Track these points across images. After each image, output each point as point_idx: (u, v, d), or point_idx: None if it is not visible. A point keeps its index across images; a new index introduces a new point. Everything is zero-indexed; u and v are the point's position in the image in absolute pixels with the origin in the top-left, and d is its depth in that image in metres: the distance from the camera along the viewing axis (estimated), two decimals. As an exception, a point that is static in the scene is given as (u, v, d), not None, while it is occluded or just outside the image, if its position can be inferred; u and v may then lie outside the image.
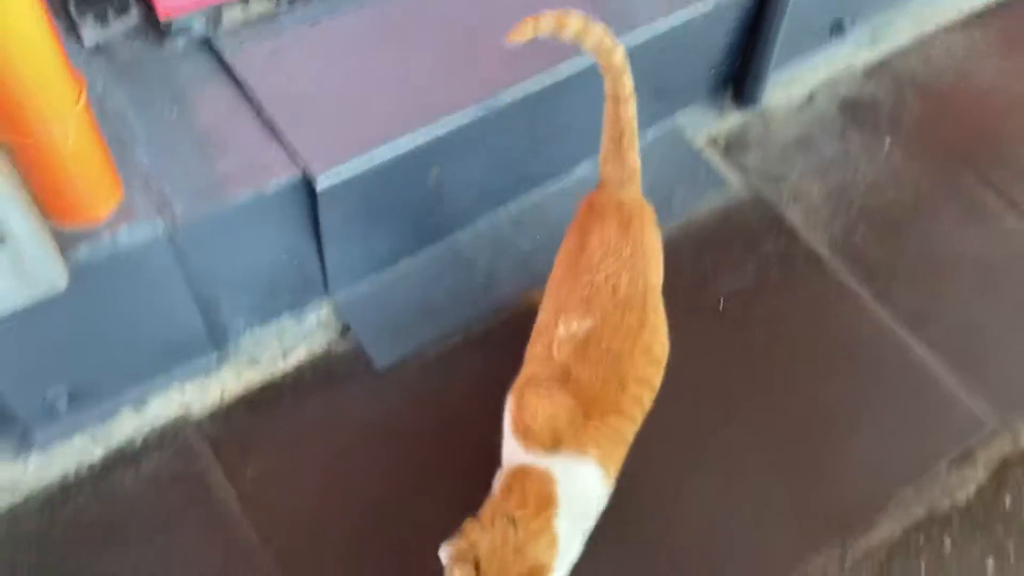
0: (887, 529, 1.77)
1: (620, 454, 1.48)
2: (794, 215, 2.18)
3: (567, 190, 2.13)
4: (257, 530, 1.66)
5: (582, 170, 2.15)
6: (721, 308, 2.00)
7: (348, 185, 1.70)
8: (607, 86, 1.54)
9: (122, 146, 1.60)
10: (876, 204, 2.22)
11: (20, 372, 1.62)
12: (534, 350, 1.53)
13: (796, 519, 1.76)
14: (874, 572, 1.72)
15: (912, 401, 1.92)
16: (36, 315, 1.47)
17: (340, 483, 1.75)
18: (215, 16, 1.79)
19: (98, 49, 1.76)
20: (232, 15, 1.81)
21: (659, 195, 2.13)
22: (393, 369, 1.89)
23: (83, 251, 1.48)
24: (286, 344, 1.90)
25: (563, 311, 1.52)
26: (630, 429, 1.48)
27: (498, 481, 1.45)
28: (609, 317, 1.48)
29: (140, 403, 1.80)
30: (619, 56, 1.50)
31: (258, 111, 1.72)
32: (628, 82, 1.53)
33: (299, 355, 1.89)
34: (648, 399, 1.51)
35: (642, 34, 1.95)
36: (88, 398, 1.72)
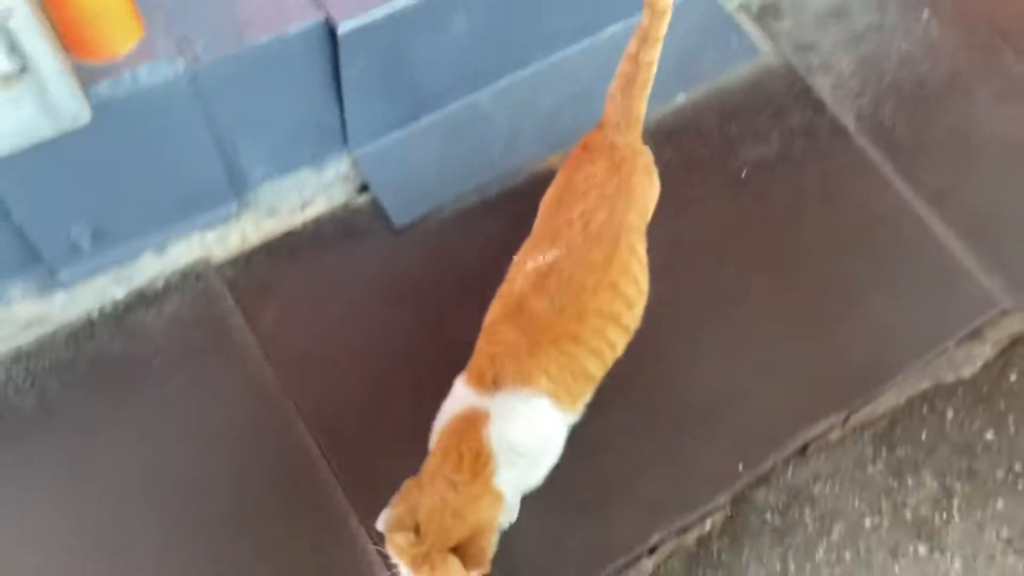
0: (891, 399, 1.81)
1: (579, 385, 1.42)
2: (823, 86, 2.13)
3: (595, 50, 2.08)
4: (276, 372, 1.71)
5: (612, 32, 2.10)
6: (744, 176, 1.98)
7: (370, 31, 1.67)
8: (643, 21, 1.47)
9: (143, -17, 1.57)
10: (908, 78, 2.16)
11: (45, 209, 1.63)
12: (501, 289, 1.49)
13: (803, 386, 1.79)
14: (875, 438, 1.76)
15: (927, 277, 1.92)
16: (60, 150, 1.47)
17: (357, 333, 1.78)
18: None
19: None
20: None
21: (688, 59, 2.10)
22: (411, 226, 1.90)
23: (104, 87, 1.47)
24: (305, 196, 1.91)
25: (535, 246, 1.49)
26: (591, 360, 1.42)
27: (439, 425, 1.40)
28: (575, 250, 1.44)
29: (161, 248, 1.82)
30: None
31: (280, -48, 1.68)
32: (663, 26, 1.47)
33: (318, 208, 1.90)
34: (616, 336, 1.45)
35: None
36: (111, 239, 1.75)
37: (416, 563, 1.24)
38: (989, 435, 1.79)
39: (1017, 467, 1.75)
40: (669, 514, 1.66)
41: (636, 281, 1.48)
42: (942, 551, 1.67)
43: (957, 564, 1.66)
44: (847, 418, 1.78)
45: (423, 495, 1.29)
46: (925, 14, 2.26)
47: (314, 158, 1.93)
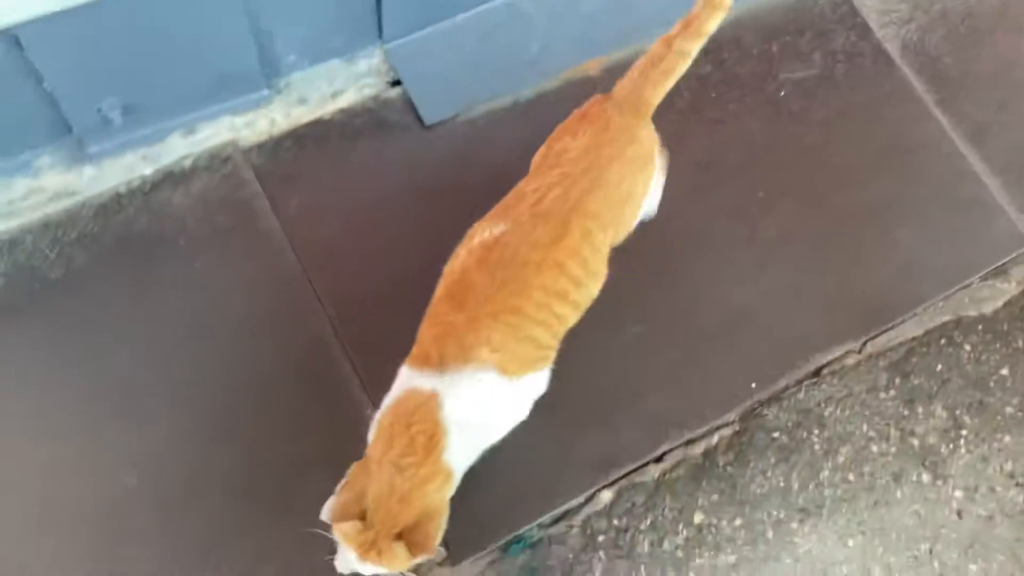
0: (910, 329, 1.81)
1: (527, 351, 1.36)
2: (870, 10, 2.07)
3: (638, -43, 2.03)
4: (299, 259, 1.72)
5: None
6: (781, 96, 1.95)
7: (413, -82, 1.63)
8: (694, 7, 1.40)
9: None
10: (958, 8, 2.11)
11: (76, 78, 1.62)
12: (445, 267, 1.43)
13: (822, 310, 1.79)
14: (890, 367, 1.77)
15: (958, 211, 1.90)
16: (93, 18, 1.46)
17: (380, 226, 1.78)
18: None
19: None
20: None
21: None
22: (440, 124, 1.88)
23: (141, -46, 1.45)
24: (336, 87, 1.89)
25: (490, 218, 1.42)
26: (538, 330, 1.36)
27: (382, 412, 1.35)
28: (521, 225, 1.37)
29: (190, 129, 1.81)
30: None
31: None
32: (714, 22, 1.40)
33: (348, 99, 1.88)
34: (564, 310, 1.38)
35: None
36: (141, 115, 1.74)
37: (363, 549, 1.23)
38: (1004, 371, 1.79)
39: (1029, 404, 1.76)
40: (678, 426, 1.68)
41: (586, 264, 1.39)
42: (945, 480, 1.69)
43: (958, 493, 1.68)
44: (864, 345, 1.78)
45: (370, 481, 1.26)
46: (982, -58, 2.19)
47: (347, 49, 1.90)
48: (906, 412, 1.74)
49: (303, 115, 1.86)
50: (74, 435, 1.58)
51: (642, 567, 1.58)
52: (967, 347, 1.80)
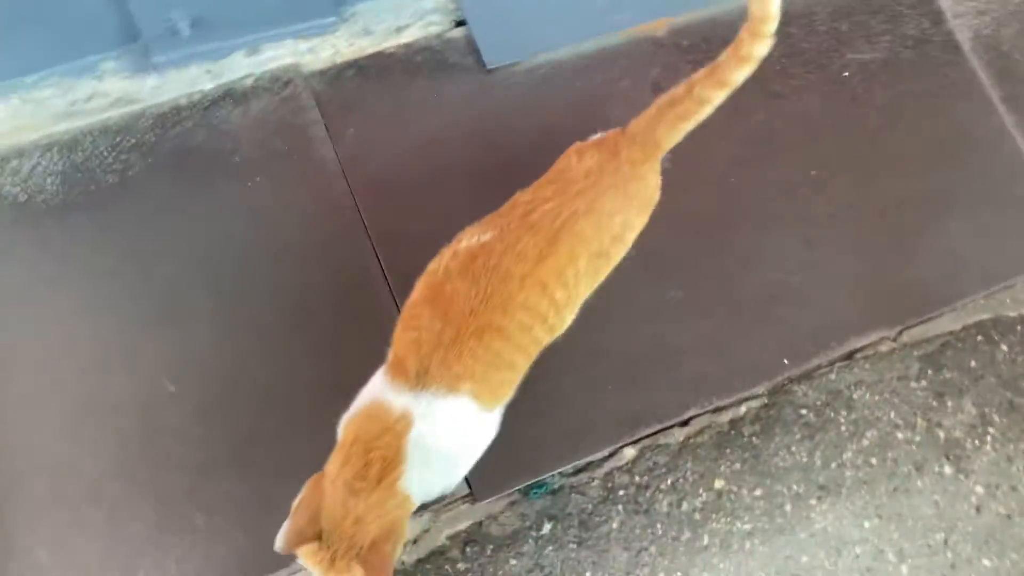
0: (948, 323, 1.80)
1: (506, 379, 1.34)
2: (946, -3, 2.05)
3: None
4: (351, 188, 1.73)
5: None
6: (845, 76, 1.93)
7: None
8: (722, 56, 1.32)
9: None
10: (1036, 5, 2.07)
11: (149, -14, 1.64)
12: (429, 265, 1.39)
13: (862, 294, 1.78)
14: (924, 358, 1.77)
15: (1010, 209, 1.88)
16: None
17: (432, 164, 1.79)
18: None
19: None
20: None
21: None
22: (501, 69, 1.88)
23: None
24: (401, 21, 1.89)
25: (483, 224, 1.38)
26: (517, 355, 1.33)
27: (351, 415, 1.33)
28: (508, 234, 1.32)
29: (255, 48, 1.82)
30: (768, 29, 1.27)
31: None
32: (739, 75, 1.31)
33: (412, 34, 1.88)
34: (542, 334, 1.35)
35: None
36: (209, 30, 1.75)
37: (323, 568, 1.21)
38: (1038, 376, 1.79)
39: (1060, 409, 1.76)
40: (707, 393, 1.70)
41: (567, 287, 1.34)
42: (967, 474, 1.70)
43: (979, 489, 1.69)
44: (900, 333, 1.78)
45: (324, 499, 1.24)
46: (1068, -60, 2.14)
47: (416, -16, 1.90)
48: (935, 404, 1.74)
49: (367, 46, 1.86)
50: (117, 335, 1.61)
51: (658, 524, 1.61)
52: (1004, 347, 1.79)
